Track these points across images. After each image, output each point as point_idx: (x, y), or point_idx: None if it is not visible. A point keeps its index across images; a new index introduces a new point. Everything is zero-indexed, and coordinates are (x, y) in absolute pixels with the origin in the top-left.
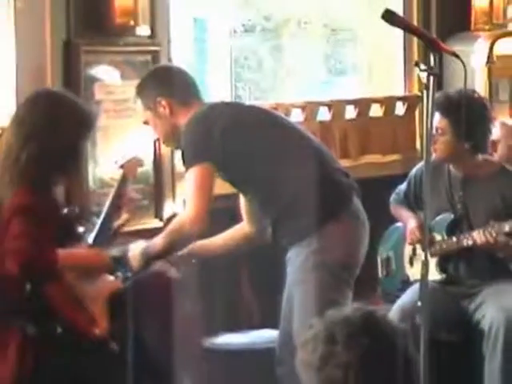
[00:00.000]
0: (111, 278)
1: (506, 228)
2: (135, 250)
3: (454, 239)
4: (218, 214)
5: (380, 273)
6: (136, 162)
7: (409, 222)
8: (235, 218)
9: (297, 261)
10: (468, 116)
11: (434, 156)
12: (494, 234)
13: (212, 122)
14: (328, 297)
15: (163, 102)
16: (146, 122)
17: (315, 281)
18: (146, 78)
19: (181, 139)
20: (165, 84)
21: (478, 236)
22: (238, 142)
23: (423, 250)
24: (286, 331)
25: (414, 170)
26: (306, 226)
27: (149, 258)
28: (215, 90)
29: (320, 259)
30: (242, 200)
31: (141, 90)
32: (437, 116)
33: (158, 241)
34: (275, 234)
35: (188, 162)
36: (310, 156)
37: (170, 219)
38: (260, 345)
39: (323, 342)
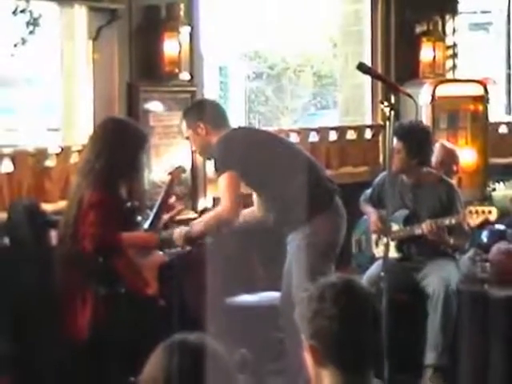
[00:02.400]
0: (160, 253)
1: (446, 222)
2: (180, 232)
3: (408, 229)
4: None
5: (353, 250)
6: (180, 170)
7: (372, 216)
8: None
9: (294, 242)
10: (416, 140)
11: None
12: (437, 225)
13: (235, 141)
14: (316, 268)
15: (201, 125)
16: (187, 138)
17: (307, 257)
18: (191, 107)
19: (212, 153)
20: (203, 113)
21: (425, 227)
22: (253, 156)
23: (385, 236)
24: (286, 293)
25: (376, 179)
26: (301, 218)
27: (190, 239)
28: (234, 118)
29: (311, 241)
30: (254, 195)
31: (186, 115)
32: (394, 140)
33: (197, 227)
34: (278, 224)
35: (219, 170)
36: (305, 167)
37: (202, 211)
38: (267, 302)
39: (315, 300)
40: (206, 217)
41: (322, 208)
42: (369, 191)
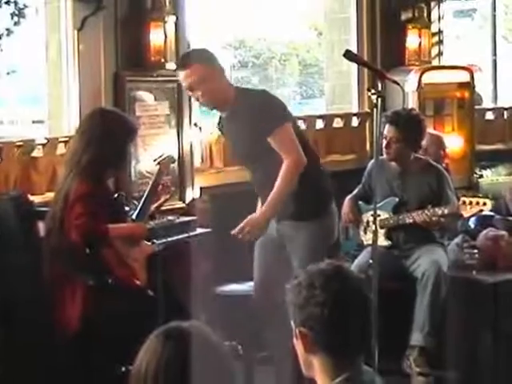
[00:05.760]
0: (148, 243)
1: (439, 212)
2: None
3: (400, 217)
4: (238, 197)
5: (341, 238)
6: (169, 160)
7: (344, 207)
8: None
9: (296, 236)
10: (415, 129)
11: (384, 156)
12: (429, 215)
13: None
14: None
15: (218, 69)
16: (191, 89)
17: (306, 249)
18: (205, 52)
19: (255, 108)
20: (215, 58)
21: (417, 216)
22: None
23: (373, 222)
24: (265, 281)
25: (367, 168)
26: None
27: (276, 205)
28: None
29: (310, 237)
30: None
31: (202, 54)
32: (390, 129)
33: (277, 190)
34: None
35: (276, 123)
36: (314, 159)
37: (189, 203)
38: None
39: (305, 287)
40: (278, 184)
41: (324, 207)
42: (362, 181)
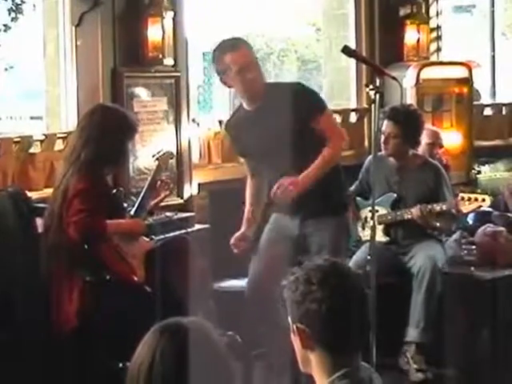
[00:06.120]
0: (147, 239)
1: (437, 209)
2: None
3: (398, 213)
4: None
5: None
6: (168, 156)
7: None
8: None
9: (322, 233)
10: (413, 124)
11: (383, 152)
12: (427, 211)
13: None
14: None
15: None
16: (244, 70)
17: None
18: (246, 44)
19: (297, 96)
20: None
21: (415, 212)
22: None
23: (371, 218)
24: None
25: (364, 165)
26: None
27: (317, 175)
28: (218, 104)
29: (337, 233)
30: None
31: (245, 43)
32: (388, 124)
33: (312, 172)
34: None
35: (321, 106)
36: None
37: (187, 200)
38: None
39: (302, 283)
40: (324, 156)
41: (346, 203)
42: (359, 177)
